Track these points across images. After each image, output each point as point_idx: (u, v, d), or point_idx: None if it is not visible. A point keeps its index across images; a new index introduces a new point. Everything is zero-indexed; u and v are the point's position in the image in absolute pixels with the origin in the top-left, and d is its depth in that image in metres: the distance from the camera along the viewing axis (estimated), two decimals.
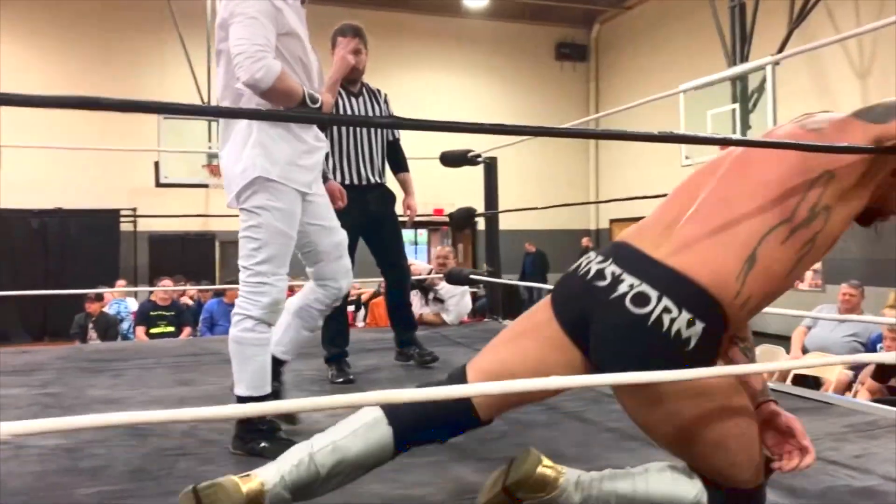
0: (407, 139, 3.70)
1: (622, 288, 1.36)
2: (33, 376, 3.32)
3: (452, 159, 4.55)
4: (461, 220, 4.72)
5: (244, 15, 2.11)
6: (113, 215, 12.07)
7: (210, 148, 11.06)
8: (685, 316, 1.32)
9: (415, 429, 1.48)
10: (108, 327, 7.09)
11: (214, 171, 10.46)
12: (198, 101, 11.73)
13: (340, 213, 2.55)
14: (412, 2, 13.73)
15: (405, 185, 3.73)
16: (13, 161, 11.06)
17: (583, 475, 1.50)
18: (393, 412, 1.47)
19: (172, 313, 7.09)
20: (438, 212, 14.22)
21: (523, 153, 11.73)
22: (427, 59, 14.03)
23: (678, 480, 1.46)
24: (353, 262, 3.13)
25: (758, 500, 1.47)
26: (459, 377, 1.52)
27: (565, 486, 1.45)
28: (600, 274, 1.41)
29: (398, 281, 3.67)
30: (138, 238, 12.31)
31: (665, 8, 12.75)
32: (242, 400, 2.12)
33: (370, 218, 3.42)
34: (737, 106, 8.94)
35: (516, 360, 1.48)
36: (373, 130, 3.50)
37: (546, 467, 1.45)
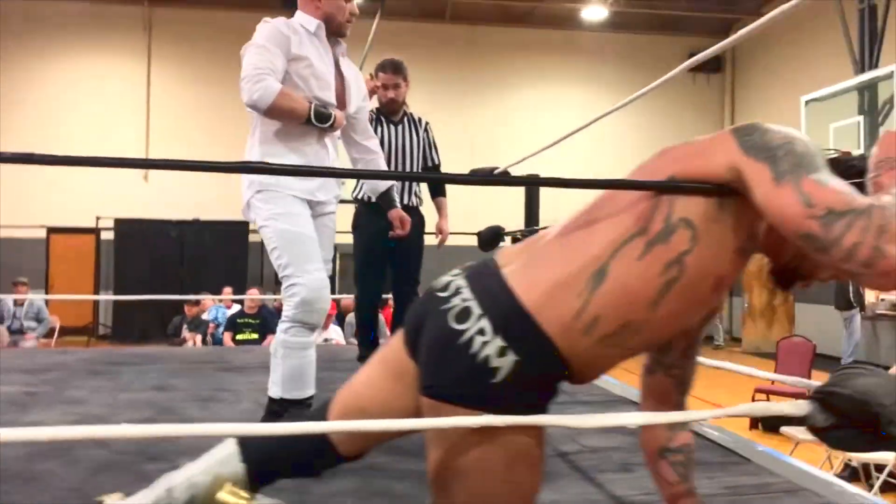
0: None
1: (455, 301, 1.21)
2: (38, 375, 3.60)
3: (487, 240, 4.48)
4: (488, 240, 4.59)
5: (254, 45, 2.29)
6: (243, 227, 12.87)
7: None
8: (498, 342, 1.15)
9: (268, 465, 1.41)
10: (198, 329, 7.55)
11: None
12: None
13: (374, 233, 2.95)
14: (531, 17, 13.65)
15: (440, 209, 3.92)
16: (160, 175, 12.09)
17: None
18: (246, 447, 1.40)
19: (258, 321, 7.43)
20: None
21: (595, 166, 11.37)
22: (548, 73, 13.87)
23: None
24: (383, 279, 3.70)
25: None
26: (323, 409, 1.43)
27: None
28: (446, 284, 1.27)
29: (405, 305, 3.72)
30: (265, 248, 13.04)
31: (795, 11, 11.80)
32: (273, 402, 2.27)
33: (399, 241, 3.29)
34: (862, 118, 8.10)
35: (366, 392, 1.39)
36: (409, 155, 3.72)
37: (228, 493, 1.37)
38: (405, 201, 3.59)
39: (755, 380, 6.84)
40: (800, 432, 4.87)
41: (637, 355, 1.30)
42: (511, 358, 1.15)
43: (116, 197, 12.28)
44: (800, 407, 1.21)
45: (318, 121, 2.31)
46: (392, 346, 1.38)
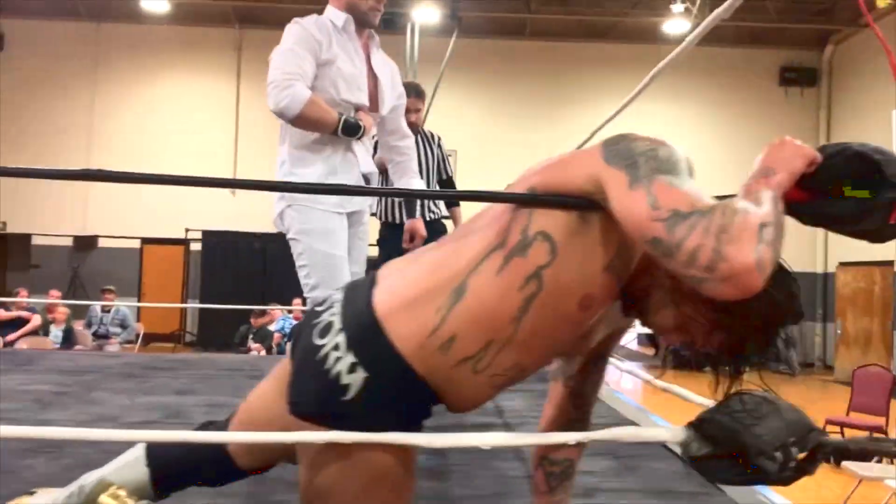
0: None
1: (325, 315, 1.19)
2: (75, 376, 3.79)
3: None
4: None
5: (282, 48, 2.24)
6: None
7: None
8: (350, 358, 1.13)
9: (170, 471, 1.43)
10: (264, 340, 7.77)
11: None
12: None
13: (392, 247, 2.92)
14: (613, 32, 13.43)
15: (455, 220, 4.06)
16: (245, 190, 12.56)
17: None
18: (152, 452, 1.43)
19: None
20: None
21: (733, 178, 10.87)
22: (630, 89, 13.53)
23: None
24: None
25: None
26: (227, 421, 1.45)
27: None
28: (327, 298, 1.26)
29: None
30: None
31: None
32: None
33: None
34: None
35: (256, 404, 1.40)
36: (425, 170, 3.84)
37: (110, 497, 1.38)
38: (425, 216, 3.59)
39: (829, 409, 6.43)
40: (861, 468, 4.53)
41: (515, 383, 1.24)
42: (361, 374, 1.13)
43: (205, 210, 12.82)
44: (675, 433, 1.12)
45: (347, 133, 2.25)
46: (285, 360, 1.37)
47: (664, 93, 13.58)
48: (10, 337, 7.51)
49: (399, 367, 1.13)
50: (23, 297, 8.17)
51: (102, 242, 12.80)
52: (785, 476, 1.06)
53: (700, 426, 1.12)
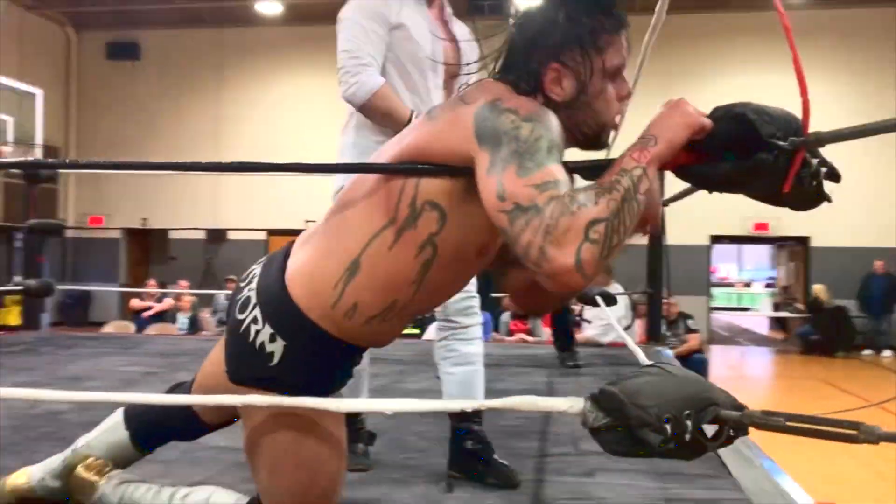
0: None
1: (244, 291, 1.28)
2: (171, 358, 4.10)
3: None
4: None
5: (348, 19, 2.08)
6: None
7: None
8: (268, 330, 1.23)
9: (146, 431, 1.58)
10: None
11: None
12: None
13: None
14: (731, 1, 12.75)
15: None
16: None
17: (131, 482, 1.53)
18: (128, 416, 1.58)
19: (427, 315, 7.77)
20: (762, 226, 13.00)
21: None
22: (750, 59, 12.85)
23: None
24: None
25: None
26: (191, 382, 1.57)
27: (104, 490, 1.50)
28: (249, 272, 1.33)
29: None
30: None
31: None
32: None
33: None
34: None
35: (208, 368, 1.49)
36: None
37: (85, 469, 1.52)
38: None
39: None
40: None
41: (424, 313, 1.39)
42: (280, 343, 1.22)
43: (322, 201, 13.34)
44: (573, 404, 1.11)
45: None
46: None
47: (787, 61, 12.82)
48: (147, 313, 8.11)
49: (313, 332, 1.22)
50: (151, 288, 8.86)
51: (232, 235, 13.61)
52: (670, 448, 1.03)
53: (597, 397, 1.10)
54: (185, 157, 13.31)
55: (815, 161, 1.06)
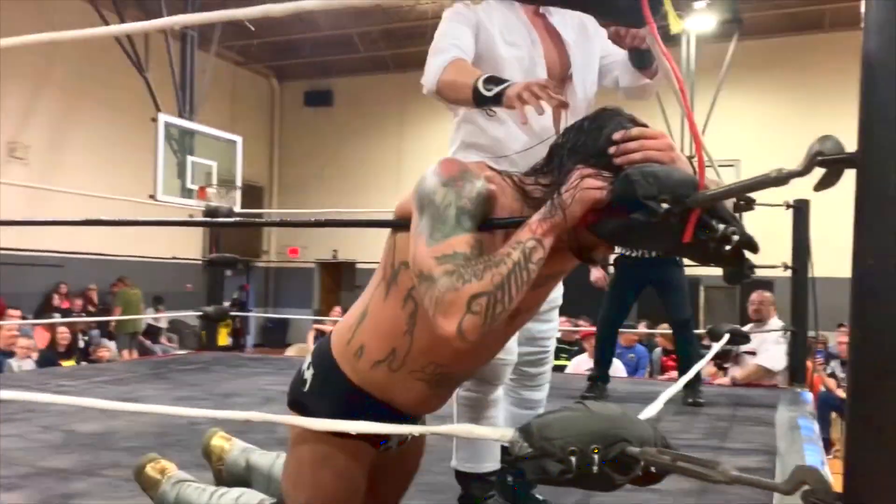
0: None
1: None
2: None
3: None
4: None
5: (438, 28, 1.91)
6: None
7: None
8: (308, 360, 1.50)
9: None
10: None
11: None
12: None
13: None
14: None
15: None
16: None
17: (252, 451, 1.80)
18: None
19: (575, 348, 7.77)
20: None
21: None
22: None
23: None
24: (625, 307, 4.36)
25: None
26: None
27: (236, 456, 1.79)
28: None
29: (677, 336, 4.17)
30: None
31: None
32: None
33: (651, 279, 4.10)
34: None
35: None
36: None
37: (220, 438, 1.82)
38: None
39: None
40: None
41: (453, 378, 1.47)
42: (311, 372, 1.46)
43: None
44: (504, 434, 1.23)
45: (482, 100, 1.65)
46: None
47: None
48: None
49: (333, 367, 1.43)
50: (335, 316, 9.58)
51: None
52: (571, 479, 1.12)
53: (523, 429, 1.22)
54: (370, 191, 14.29)
55: (721, 226, 1.12)
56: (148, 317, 10.93)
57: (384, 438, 1.47)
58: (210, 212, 5.23)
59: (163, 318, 11.58)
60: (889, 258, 0.75)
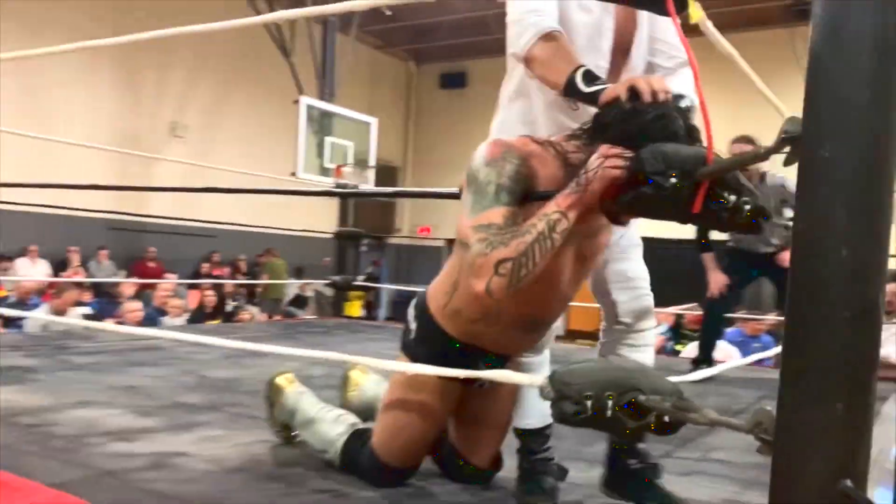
0: None
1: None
2: None
3: None
4: None
5: None
6: None
7: None
8: (412, 313, 1.80)
9: None
10: None
11: None
12: None
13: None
14: None
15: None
16: None
17: (304, 393, 2.05)
18: None
19: (697, 332, 7.65)
20: None
21: None
22: None
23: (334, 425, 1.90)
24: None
25: (386, 473, 1.79)
26: None
27: (287, 393, 2.05)
28: None
29: None
30: None
31: None
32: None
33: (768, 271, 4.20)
34: None
35: None
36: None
37: (283, 379, 2.09)
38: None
39: None
40: None
41: (542, 321, 1.71)
42: (415, 324, 1.75)
43: None
44: (536, 380, 1.40)
45: (574, 93, 1.53)
46: None
47: None
48: None
49: (431, 321, 1.71)
50: None
51: None
52: (585, 419, 1.27)
53: (550, 376, 1.38)
54: None
55: (732, 197, 1.22)
56: (288, 282, 11.68)
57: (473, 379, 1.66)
58: (340, 189, 5.61)
59: (308, 289, 12.36)
60: (827, 220, 0.85)
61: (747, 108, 11.93)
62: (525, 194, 1.43)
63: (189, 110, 12.31)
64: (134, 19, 11.22)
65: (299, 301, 12.25)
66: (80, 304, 6.64)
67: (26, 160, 9.34)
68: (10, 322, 6.00)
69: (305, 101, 9.57)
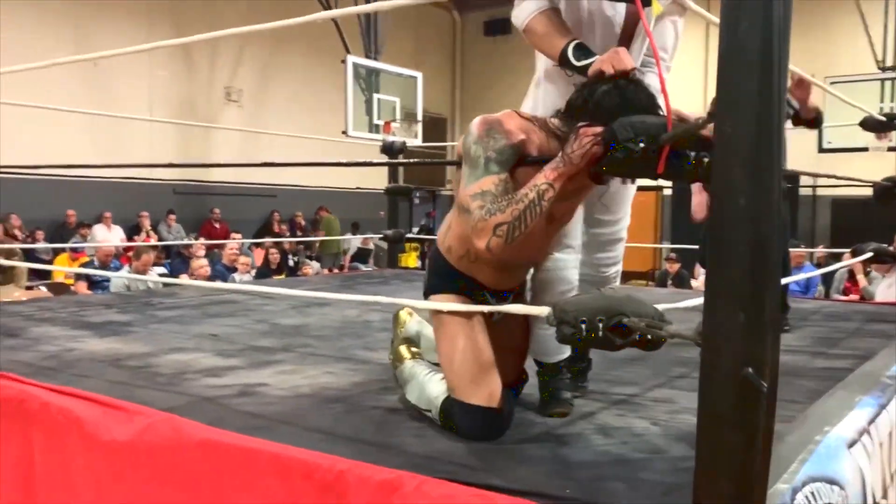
0: None
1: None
2: None
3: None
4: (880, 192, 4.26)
5: None
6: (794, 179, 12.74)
7: (882, 109, 10.68)
8: (429, 256, 2.14)
9: None
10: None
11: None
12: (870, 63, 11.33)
13: None
14: None
15: None
16: None
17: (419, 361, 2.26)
18: None
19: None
20: None
21: None
22: None
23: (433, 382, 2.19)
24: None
25: (470, 414, 1.87)
26: None
27: (406, 361, 2.29)
28: None
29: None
30: (819, 202, 12.69)
31: None
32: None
33: None
34: None
35: None
36: None
37: (405, 313, 2.44)
38: None
39: None
40: None
41: (517, 263, 1.99)
42: (428, 264, 2.09)
43: None
44: (542, 310, 1.71)
45: (568, 65, 1.85)
46: None
47: None
48: None
49: (440, 256, 2.01)
50: None
51: None
52: (574, 338, 1.56)
53: (553, 305, 1.69)
54: None
55: (692, 153, 1.50)
56: (342, 238, 12.15)
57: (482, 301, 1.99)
58: (386, 147, 5.93)
59: (370, 242, 12.84)
60: (730, 178, 1.13)
61: None
62: (518, 158, 1.73)
63: (241, 75, 12.73)
64: None
65: (361, 255, 12.75)
66: (155, 264, 7.18)
67: (95, 129, 9.93)
68: (96, 284, 6.58)
69: (352, 59, 9.85)
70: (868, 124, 4.30)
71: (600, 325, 1.58)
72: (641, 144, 1.49)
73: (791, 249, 7.47)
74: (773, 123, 1.08)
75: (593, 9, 1.94)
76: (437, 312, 1.99)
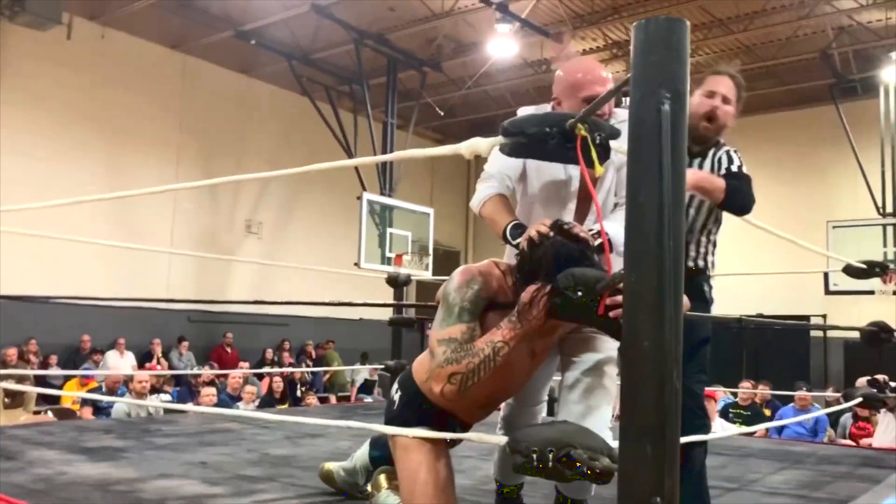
0: None
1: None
2: None
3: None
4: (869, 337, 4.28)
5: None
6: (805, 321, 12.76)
7: (885, 254, 10.87)
8: (395, 387, 2.18)
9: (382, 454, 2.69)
10: None
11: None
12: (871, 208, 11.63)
13: None
14: None
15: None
16: None
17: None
18: (372, 441, 2.73)
19: (749, 413, 7.73)
20: None
21: None
22: None
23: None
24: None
25: None
26: None
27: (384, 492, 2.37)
28: None
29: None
30: (830, 344, 12.63)
31: None
32: None
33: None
34: None
35: None
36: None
37: (384, 477, 2.43)
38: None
39: None
40: None
41: (492, 402, 2.11)
42: (398, 394, 2.13)
43: None
44: (500, 440, 1.80)
45: (505, 240, 2.17)
46: None
47: None
48: None
49: (415, 391, 2.06)
50: None
51: None
52: (526, 468, 1.65)
53: (511, 436, 1.77)
54: None
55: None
56: (346, 368, 12.17)
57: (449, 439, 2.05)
58: (391, 278, 6.14)
59: (376, 374, 12.86)
60: (640, 337, 1.26)
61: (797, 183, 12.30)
62: (488, 304, 1.90)
63: (263, 208, 13.26)
64: (217, 129, 12.34)
65: (369, 385, 12.73)
66: (161, 391, 7.28)
67: (116, 255, 10.29)
68: (101, 409, 6.66)
69: (367, 196, 10.31)
70: (850, 271, 4.43)
71: (550, 455, 1.68)
72: (580, 293, 1.65)
73: (795, 393, 7.43)
74: (671, 277, 1.23)
75: (555, 171, 2.22)
76: (400, 441, 2.03)
